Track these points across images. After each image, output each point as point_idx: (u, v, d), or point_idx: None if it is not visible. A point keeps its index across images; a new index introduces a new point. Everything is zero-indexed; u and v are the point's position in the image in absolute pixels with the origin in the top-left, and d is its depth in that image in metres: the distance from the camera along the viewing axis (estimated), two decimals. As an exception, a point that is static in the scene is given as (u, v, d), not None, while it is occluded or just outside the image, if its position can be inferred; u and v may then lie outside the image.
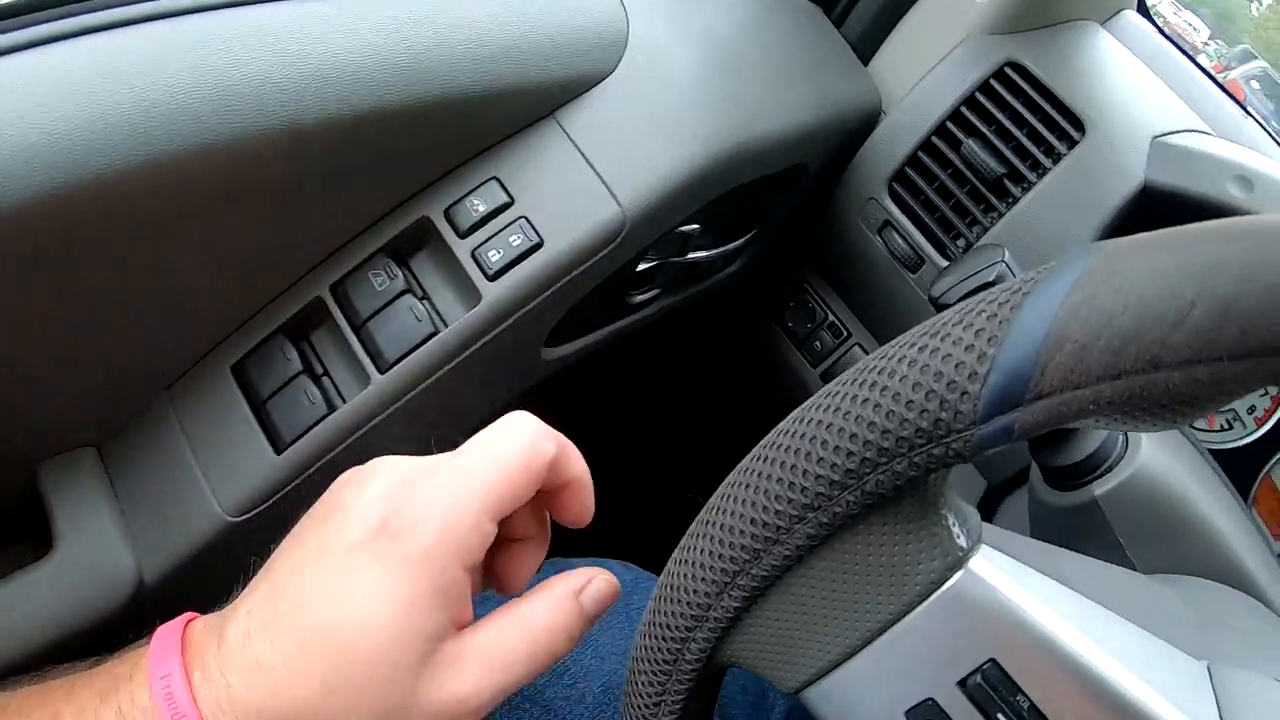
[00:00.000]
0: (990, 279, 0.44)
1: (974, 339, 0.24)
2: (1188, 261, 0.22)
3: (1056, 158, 0.64)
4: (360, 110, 0.43)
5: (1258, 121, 0.67)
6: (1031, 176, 0.64)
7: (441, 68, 0.46)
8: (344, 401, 0.48)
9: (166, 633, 0.32)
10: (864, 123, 0.66)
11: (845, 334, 0.76)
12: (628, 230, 0.51)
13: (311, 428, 0.47)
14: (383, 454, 0.34)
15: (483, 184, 0.50)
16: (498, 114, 0.50)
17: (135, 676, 0.31)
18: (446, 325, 0.49)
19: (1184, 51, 0.69)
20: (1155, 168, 0.62)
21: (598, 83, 0.53)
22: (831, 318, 0.77)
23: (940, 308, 0.44)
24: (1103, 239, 0.36)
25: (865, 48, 0.70)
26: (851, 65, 0.69)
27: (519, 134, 0.52)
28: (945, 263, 0.66)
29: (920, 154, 0.66)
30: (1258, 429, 0.60)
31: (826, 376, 0.77)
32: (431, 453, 0.34)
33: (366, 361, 0.48)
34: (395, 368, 0.48)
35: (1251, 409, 0.60)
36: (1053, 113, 0.64)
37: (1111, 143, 0.63)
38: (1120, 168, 0.62)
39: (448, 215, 0.50)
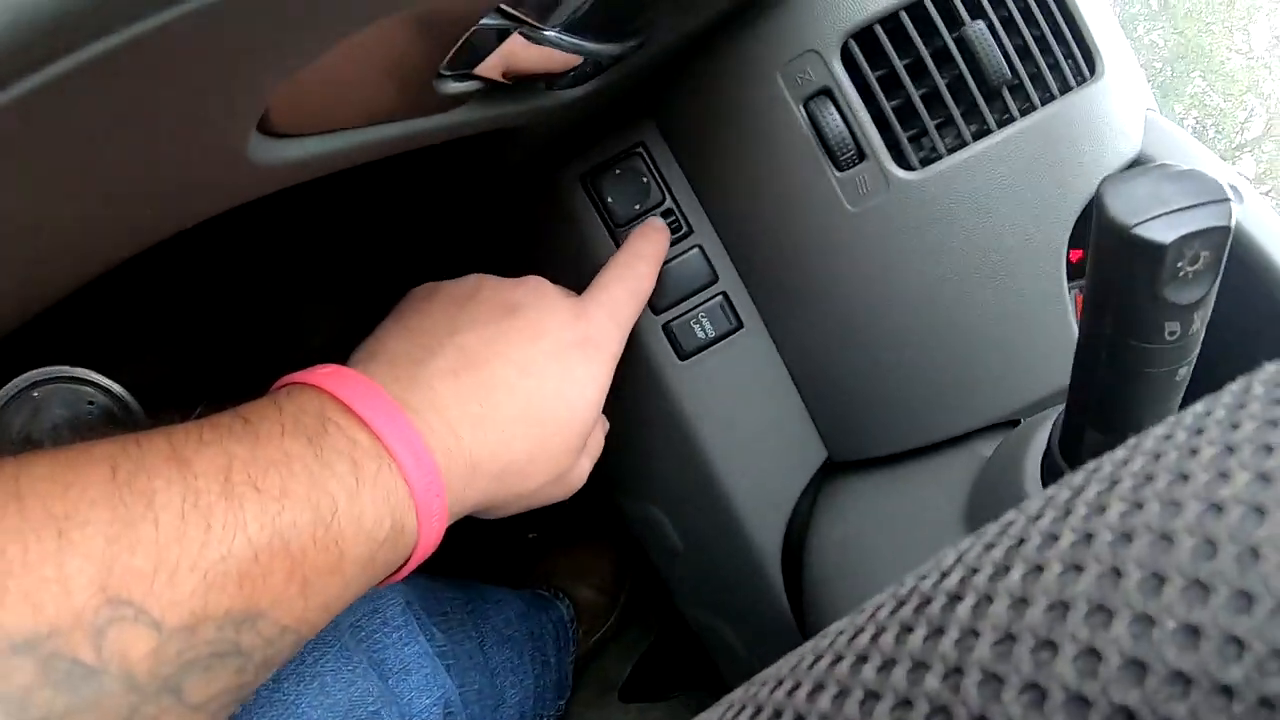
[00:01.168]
0: (1220, 222, 0.27)
1: None
2: None
3: (1064, 89, 0.48)
4: None
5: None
6: (1035, 99, 0.47)
7: None
8: None
9: (352, 381, 0.35)
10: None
11: (685, 230, 0.54)
12: None
13: None
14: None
15: None
16: None
17: (338, 424, 0.33)
18: None
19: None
20: (1150, 141, 0.51)
21: None
22: (669, 202, 0.53)
23: (1126, 241, 0.26)
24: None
25: None
26: None
27: None
28: (896, 169, 0.47)
29: (903, 14, 0.46)
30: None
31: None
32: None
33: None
34: None
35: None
36: (1069, 36, 0.49)
37: (1119, 95, 0.50)
38: (1122, 128, 0.50)
39: None
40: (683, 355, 0.55)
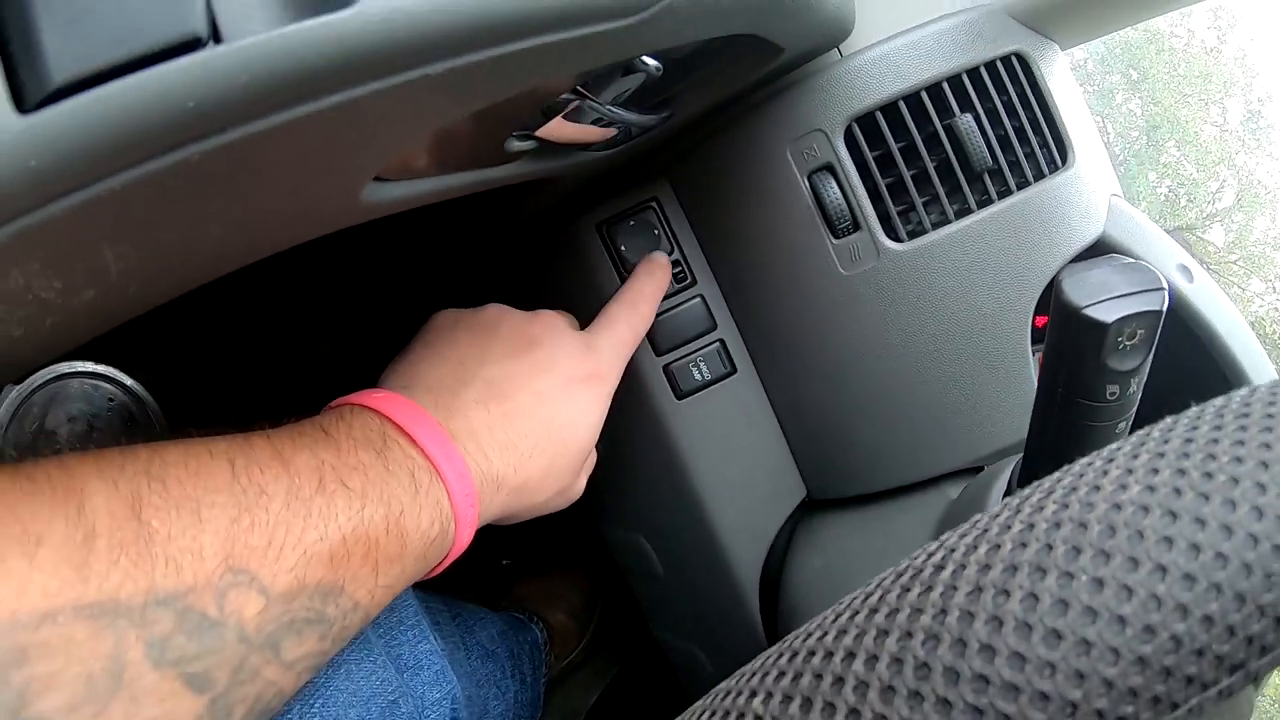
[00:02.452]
0: (1154, 307, 0.32)
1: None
2: None
3: (1038, 176, 0.54)
4: None
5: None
6: (1012, 184, 0.53)
7: None
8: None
9: (406, 408, 0.42)
10: (828, 36, 0.50)
11: (689, 280, 0.59)
12: (664, 5, 0.29)
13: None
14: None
15: None
16: None
17: (398, 444, 0.40)
18: None
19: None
20: (1113, 224, 0.56)
21: None
22: (677, 253, 0.59)
23: (1077, 319, 0.32)
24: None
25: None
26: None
27: None
28: (887, 239, 0.52)
29: (902, 103, 0.51)
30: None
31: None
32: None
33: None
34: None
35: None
36: (1045, 129, 0.55)
37: (1086, 182, 0.55)
38: (1087, 212, 0.55)
39: None
40: (680, 395, 0.61)
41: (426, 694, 0.50)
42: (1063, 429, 0.36)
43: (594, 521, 0.77)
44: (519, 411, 0.46)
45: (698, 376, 0.60)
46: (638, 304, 0.56)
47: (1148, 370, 0.34)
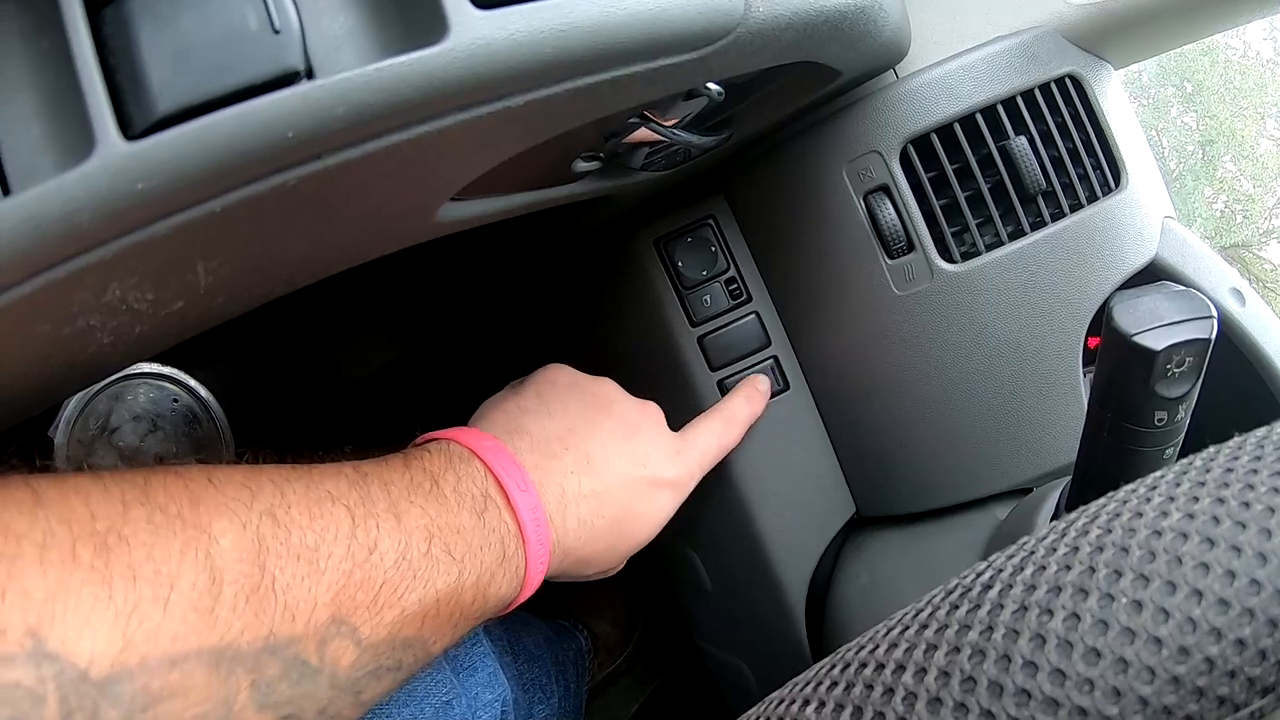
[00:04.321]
0: (1203, 335, 0.33)
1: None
2: None
3: (1091, 199, 0.54)
4: None
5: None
6: (1066, 206, 0.53)
7: None
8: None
9: (511, 467, 0.44)
10: (884, 59, 0.50)
11: (745, 297, 0.60)
12: (738, 35, 0.31)
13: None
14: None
15: None
16: None
17: (497, 506, 0.42)
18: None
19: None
20: (1165, 246, 0.56)
21: None
22: (733, 270, 0.60)
23: (1127, 346, 0.33)
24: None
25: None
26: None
27: None
28: (941, 260, 0.53)
29: (957, 125, 0.52)
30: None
31: (704, 343, 0.61)
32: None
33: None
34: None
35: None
36: (1099, 151, 0.55)
37: (1140, 205, 0.56)
38: (1141, 234, 0.55)
39: None
40: (732, 409, 0.61)
41: (480, 695, 0.51)
42: (1111, 453, 0.36)
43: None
44: (605, 494, 0.48)
45: (751, 392, 0.61)
46: (730, 425, 0.58)
47: (1196, 397, 0.34)
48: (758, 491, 0.63)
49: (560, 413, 0.50)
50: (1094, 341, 0.54)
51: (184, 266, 0.26)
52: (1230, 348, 0.56)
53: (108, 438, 0.68)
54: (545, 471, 0.46)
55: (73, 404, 0.67)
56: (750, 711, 0.25)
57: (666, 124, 0.39)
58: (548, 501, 0.45)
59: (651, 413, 0.54)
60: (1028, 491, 0.55)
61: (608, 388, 0.54)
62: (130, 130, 0.21)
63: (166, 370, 0.72)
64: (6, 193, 0.20)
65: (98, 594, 0.27)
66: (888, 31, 0.44)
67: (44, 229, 0.20)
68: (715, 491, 0.64)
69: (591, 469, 0.48)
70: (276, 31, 0.21)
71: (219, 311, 0.32)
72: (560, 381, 0.53)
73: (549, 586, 0.55)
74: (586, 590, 1.01)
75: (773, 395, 0.61)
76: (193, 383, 0.72)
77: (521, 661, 0.74)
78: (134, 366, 0.71)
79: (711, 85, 0.36)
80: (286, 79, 0.22)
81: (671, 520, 0.53)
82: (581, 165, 0.40)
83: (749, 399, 0.59)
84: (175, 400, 0.72)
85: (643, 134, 0.40)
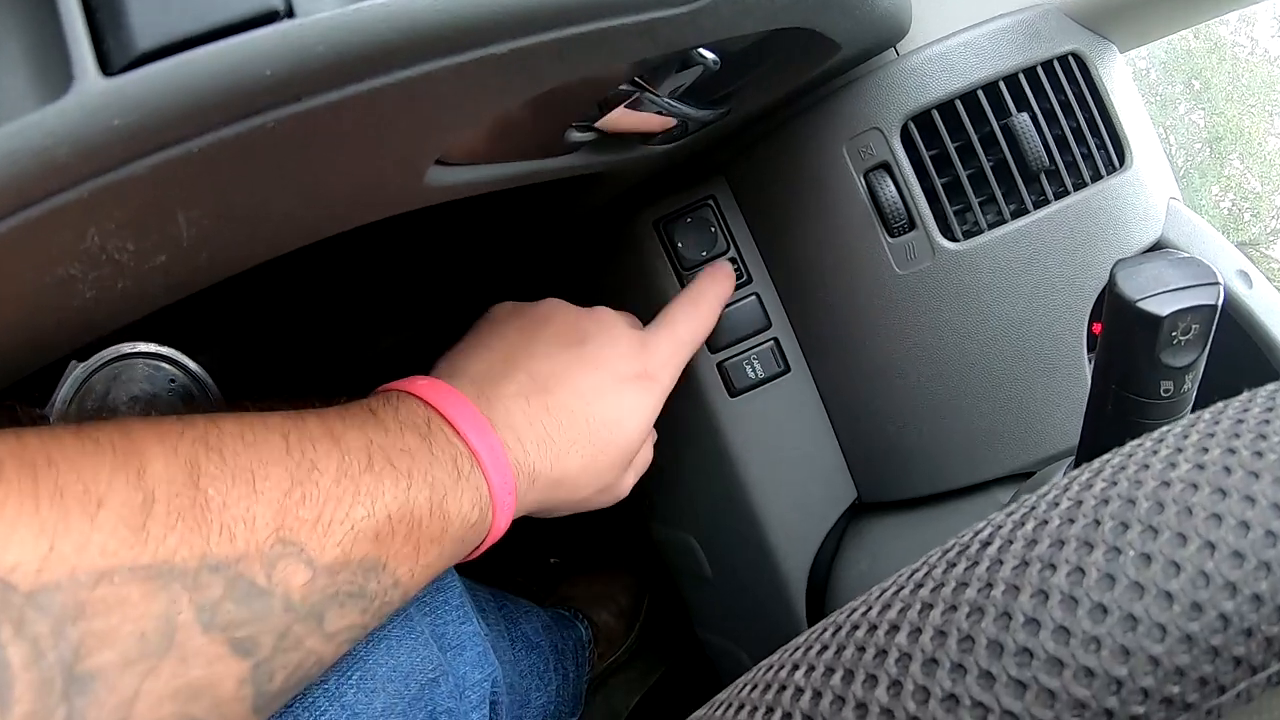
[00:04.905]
0: (1209, 301, 0.32)
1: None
2: None
3: (1095, 177, 0.53)
4: None
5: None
6: (1069, 184, 0.52)
7: None
8: None
9: (450, 396, 0.43)
10: (885, 34, 0.50)
11: (745, 278, 0.59)
12: None
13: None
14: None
15: None
16: None
17: (442, 431, 0.41)
18: None
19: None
20: (1170, 227, 0.55)
21: None
22: (733, 251, 0.59)
23: (1131, 312, 0.32)
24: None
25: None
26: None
27: None
28: (942, 239, 0.52)
29: (958, 103, 0.51)
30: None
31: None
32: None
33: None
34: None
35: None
36: (1103, 130, 0.54)
37: (1145, 184, 0.55)
38: (1145, 214, 0.55)
39: None
40: (733, 392, 0.61)
41: (468, 674, 0.51)
42: (1115, 427, 0.36)
43: (643, 522, 0.77)
44: (558, 406, 0.47)
45: (751, 375, 0.60)
46: (699, 304, 0.56)
47: (1202, 368, 0.33)
48: (757, 476, 0.62)
49: (498, 345, 0.49)
50: (1098, 328, 0.54)
51: (164, 215, 0.25)
52: (1237, 331, 0.55)
53: (106, 417, 0.67)
54: (489, 399, 0.45)
55: (69, 382, 0.67)
56: (742, 678, 0.25)
57: (660, 94, 0.38)
58: (496, 424, 0.44)
59: (600, 315, 0.53)
60: (1031, 475, 0.54)
61: (546, 306, 0.52)
62: (109, 68, 0.21)
63: (164, 350, 0.72)
64: None
65: (22, 507, 0.26)
66: (884, 1, 0.44)
67: (21, 164, 0.20)
68: (714, 475, 0.63)
69: (538, 385, 0.47)
70: (256, -30, 0.21)
71: (205, 271, 0.32)
72: (497, 317, 0.52)
73: (550, 576, 0.54)
74: (588, 581, 1.00)
75: (773, 378, 0.60)
76: (190, 363, 0.72)
77: (519, 649, 0.74)
78: (130, 346, 0.71)
79: (706, 53, 0.36)
80: (266, 18, 0.21)
81: (672, 506, 0.52)
82: (575, 135, 0.39)
83: (715, 278, 0.58)
84: (172, 380, 0.72)
85: (633, 113, 0.39)
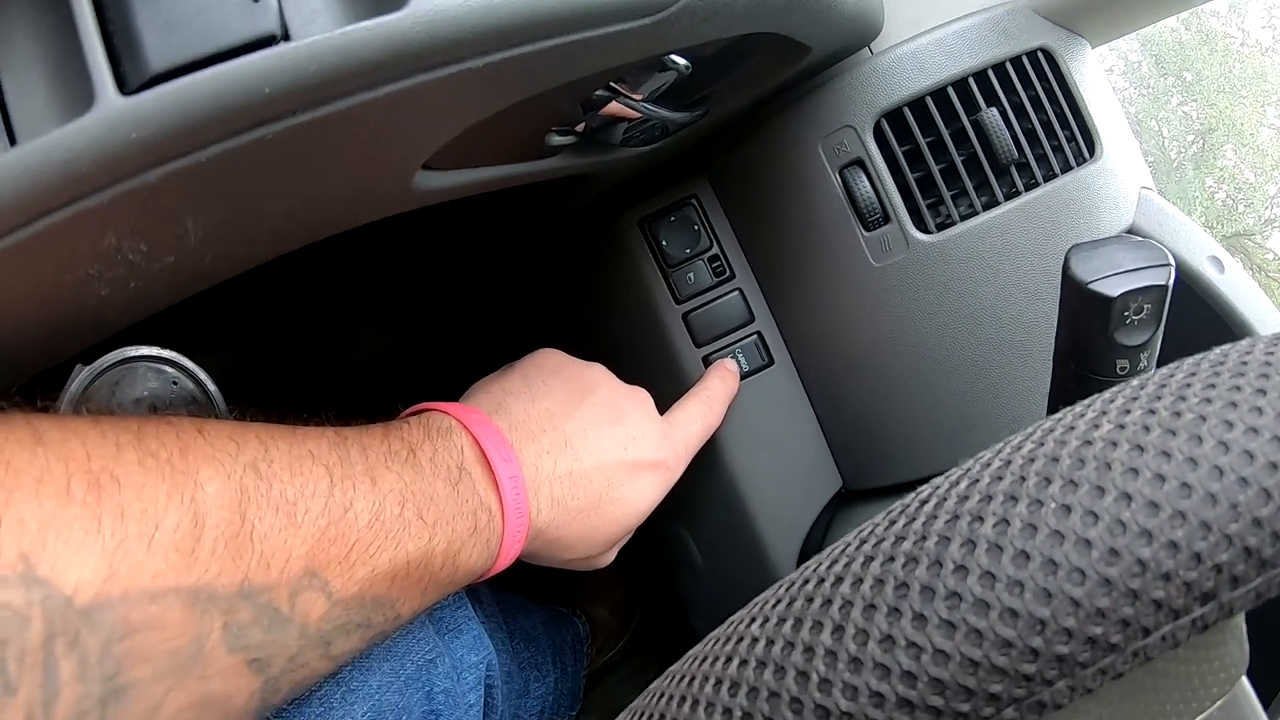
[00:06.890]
0: (1159, 282, 0.34)
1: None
2: None
3: (1065, 169, 0.55)
4: None
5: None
6: (1040, 176, 0.54)
7: None
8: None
9: (494, 438, 0.45)
10: (855, 35, 0.51)
11: (728, 274, 0.61)
12: (687, 2, 0.32)
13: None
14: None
15: None
16: None
17: (472, 476, 0.44)
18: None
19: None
20: (1142, 216, 0.57)
21: None
22: (716, 248, 0.61)
23: (1083, 294, 0.34)
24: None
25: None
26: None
27: None
28: (916, 231, 0.54)
29: (929, 99, 0.53)
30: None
31: (689, 320, 0.62)
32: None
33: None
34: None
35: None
36: (1072, 122, 0.56)
37: (1115, 174, 0.57)
38: (1116, 203, 0.56)
39: None
40: (719, 385, 0.62)
41: (465, 657, 0.52)
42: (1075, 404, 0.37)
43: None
44: (581, 474, 0.49)
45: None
46: (712, 404, 0.59)
47: (1158, 346, 0.35)
48: (745, 467, 0.64)
49: (544, 395, 0.51)
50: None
51: (174, 219, 0.27)
52: (1209, 315, 0.57)
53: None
54: (521, 450, 0.47)
55: (75, 384, 0.68)
56: (714, 631, 0.26)
57: (636, 98, 0.40)
58: (526, 476, 0.46)
59: (638, 397, 0.55)
60: (1008, 458, 0.55)
61: (595, 372, 0.54)
62: (126, 87, 0.23)
63: (167, 354, 0.73)
64: (13, 144, 0.22)
65: (87, 528, 0.28)
66: (849, 5, 0.45)
67: (48, 175, 0.22)
68: (704, 468, 0.65)
69: (569, 450, 0.49)
70: (255, 0, 0.24)
71: (209, 271, 0.33)
72: (547, 365, 0.54)
73: (547, 574, 0.56)
74: (585, 578, 1.01)
75: (757, 371, 0.62)
76: (193, 366, 0.73)
77: (518, 640, 0.75)
78: (135, 349, 0.72)
79: (677, 58, 0.37)
80: (264, 42, 0.24)
81: (665, 501, 0.54)
82: (557, 139, 0.41)
83: (723, 378, 0.61)
84: (175, 384, 0.73)
85: (616, 108, 0.41)
